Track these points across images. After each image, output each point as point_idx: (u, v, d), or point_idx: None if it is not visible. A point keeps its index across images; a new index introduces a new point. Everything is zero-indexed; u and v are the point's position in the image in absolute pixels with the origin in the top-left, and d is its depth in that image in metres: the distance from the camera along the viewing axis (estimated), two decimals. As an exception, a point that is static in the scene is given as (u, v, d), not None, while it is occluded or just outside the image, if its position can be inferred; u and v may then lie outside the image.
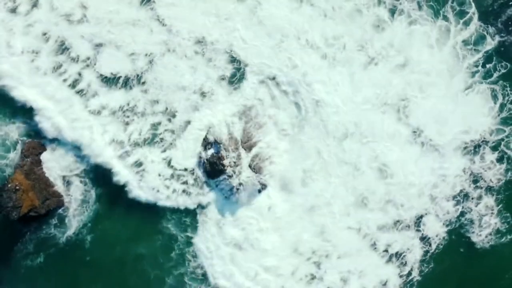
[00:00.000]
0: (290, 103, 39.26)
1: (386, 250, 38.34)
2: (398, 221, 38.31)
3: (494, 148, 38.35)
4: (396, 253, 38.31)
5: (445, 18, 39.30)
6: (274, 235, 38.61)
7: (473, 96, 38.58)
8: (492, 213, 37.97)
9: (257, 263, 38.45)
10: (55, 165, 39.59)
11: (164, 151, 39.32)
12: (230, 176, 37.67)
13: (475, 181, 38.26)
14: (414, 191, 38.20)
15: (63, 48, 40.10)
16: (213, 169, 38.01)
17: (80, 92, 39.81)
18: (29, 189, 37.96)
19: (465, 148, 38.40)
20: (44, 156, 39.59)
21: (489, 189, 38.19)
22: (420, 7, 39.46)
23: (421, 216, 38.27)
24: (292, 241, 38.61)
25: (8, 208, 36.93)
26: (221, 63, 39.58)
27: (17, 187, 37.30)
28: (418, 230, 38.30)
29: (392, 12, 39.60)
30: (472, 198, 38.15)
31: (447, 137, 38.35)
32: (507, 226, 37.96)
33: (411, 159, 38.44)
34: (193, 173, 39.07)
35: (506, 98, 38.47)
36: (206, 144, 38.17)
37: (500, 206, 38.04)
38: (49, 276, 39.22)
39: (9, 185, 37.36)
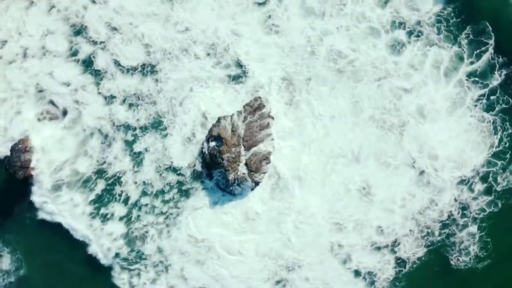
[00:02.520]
0: (291, 110, 40.13)
1: (357, 268, 37.89)
2: (375, 242, 37.94)
3: (483, 179, 37.68)
4: (369, 272, 37.78)
5: (460, 45, 39.29)
6: (248, 238, 39.07)
7: (473, 128, 38.31)
8: (473, 240, 37.31)
9: (225, 264, 38.71)
10: None
11: (165, 136, 40.87)
12: (227, 170, 38.64)
13: (463, 208, 37.68)
14: (398, 216, 37.86)
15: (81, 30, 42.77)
16: (212, 161, 39.27)
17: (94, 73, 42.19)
18: (37, 152, 39.77)
19: (458, 178, 37.93)
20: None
21: (474, 219, 37.55)
22: (439, 31, 39.68)
23: (402, 236, 37.76)
24: (264, 246, 38.69)
25: (16, 167, 38.69)
26: (229, 65, 41.16)
27: (27, 149, 38.88)
28: (393, 251, 37.77)
29: (410, 33, 39.96)
30: (458, 225, 37.58)
31: (441, 167, 38.04)
32: (485, 253, 37.04)
33: (402, 184, 38.26)
34: (189, 166, 40.41)
35: (505, 132, 38.05)
36: (210, 136, 39.39)
37: (483, 233, 37.16)
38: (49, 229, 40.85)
39: (19, 145, 39.02)
